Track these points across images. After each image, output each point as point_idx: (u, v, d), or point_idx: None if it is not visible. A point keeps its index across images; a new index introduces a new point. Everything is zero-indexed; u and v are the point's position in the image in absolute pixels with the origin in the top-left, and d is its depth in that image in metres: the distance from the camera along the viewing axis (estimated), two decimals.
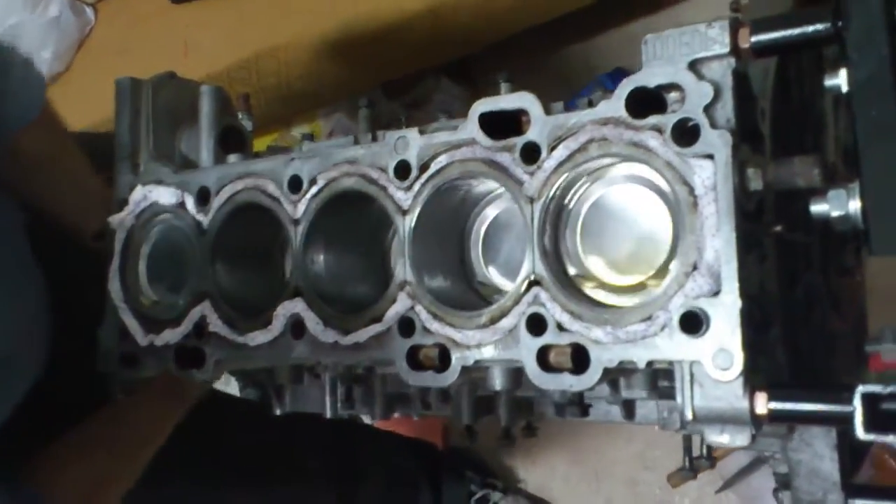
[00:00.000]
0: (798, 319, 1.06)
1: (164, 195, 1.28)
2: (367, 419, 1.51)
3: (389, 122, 2.89)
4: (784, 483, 1.19)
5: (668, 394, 1.09)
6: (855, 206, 0.90)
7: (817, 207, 0.92)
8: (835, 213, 0.91)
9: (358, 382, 1.44)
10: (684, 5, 2.53)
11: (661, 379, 1.06)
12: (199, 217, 1.25)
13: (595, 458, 2.48)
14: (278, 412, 1.51)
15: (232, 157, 1.28)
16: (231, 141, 1.36)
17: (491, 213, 1.17)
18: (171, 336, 1.26)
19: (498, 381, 1.08)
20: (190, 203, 1.26)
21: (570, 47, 2.70)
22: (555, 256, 1.01)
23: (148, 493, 1.67)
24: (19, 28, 2.65)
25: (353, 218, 1.21)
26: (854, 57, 0.87)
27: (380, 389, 1.42)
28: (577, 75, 2.61)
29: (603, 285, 1.02)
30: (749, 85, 0.93)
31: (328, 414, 1.46)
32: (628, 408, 1.26)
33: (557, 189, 0.98)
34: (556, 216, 1.01)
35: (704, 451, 1.33)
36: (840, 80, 0.98)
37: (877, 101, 0.86)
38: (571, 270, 1.03)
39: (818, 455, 1.11)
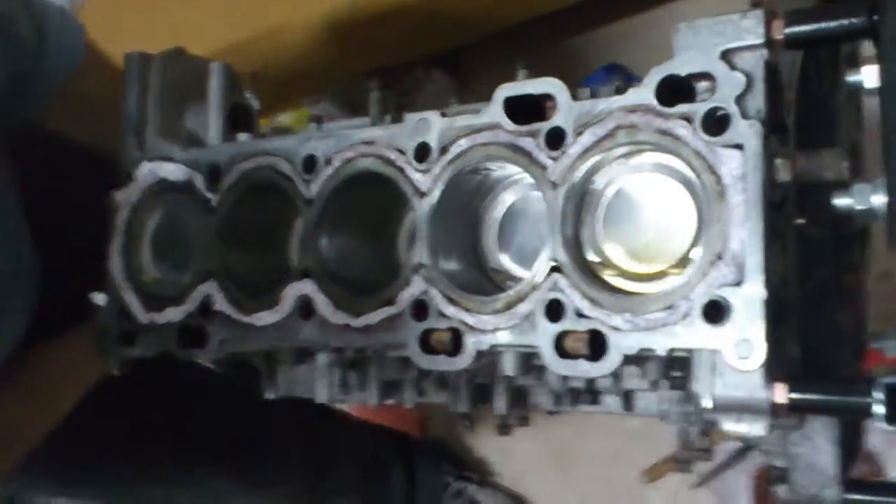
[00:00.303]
0: (809, 313, 1.07)
1: (173, 172, 1.27)
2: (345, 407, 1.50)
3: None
4: (780, 477, 1.20)
5: (679, 384, 1.09)
6: (879, 200, 0.91)
7: (841, 201, 0.94)
8: (858, 207, 0.92)
9: (354, 367, 1.43)
10: (683, 3, 2.54)
11: (673, 369, 1.07)
12: (209, 195, 1.24)
13: (569, 453, 2.48)
14: (271, 396, 1.50)
15: (242, 136, 1.27)
16: (239, 119, 1.35)
17: (507, 199, 1.17)
18: (173, 314, 1.24)
19: (509, 367, 1.08)
20: (199, 181, 1.24)
21: (565, 42, 2.70)
22: (575, 243, 1.01)
23: (118, 467, 1.66)
24: None
25: (364, 200, 1.20)
26: (888, 52, 0.88)
27: (375, 374, 1.41)
28: (571, 70, 2.61)
29: (623, 273, 1.02)
30: (779, 77, 0.94)
31: (322, 399, 1.46)
32: (627, 399, 1.27)
33: (582, 175, 0.99)
34: (579, 202, 1.01)
35: (698, 444, 1.34)
36: (862, 76, 0.99)
37: None
38: (591, 257, 1.03)
39: (817, 449, 1.12)
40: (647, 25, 2.61)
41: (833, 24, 0.91)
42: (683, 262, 0.99)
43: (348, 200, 1.18)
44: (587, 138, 0.98)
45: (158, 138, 1.32)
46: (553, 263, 0.99)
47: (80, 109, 1.53)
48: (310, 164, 1.16)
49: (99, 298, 1.32)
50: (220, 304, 1.21)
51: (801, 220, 0.96)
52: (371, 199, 1.22)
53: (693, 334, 0.90)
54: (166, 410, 1.72)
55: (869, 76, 0.98)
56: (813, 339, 1.10)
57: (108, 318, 1.30)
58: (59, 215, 1.40)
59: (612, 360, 0.94)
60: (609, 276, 1.02)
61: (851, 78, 0.98)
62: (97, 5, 2.81)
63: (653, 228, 1.02)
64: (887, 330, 1.12)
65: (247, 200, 1.23)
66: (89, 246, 1.39)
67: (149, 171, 1.29)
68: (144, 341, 1.28)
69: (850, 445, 1.18)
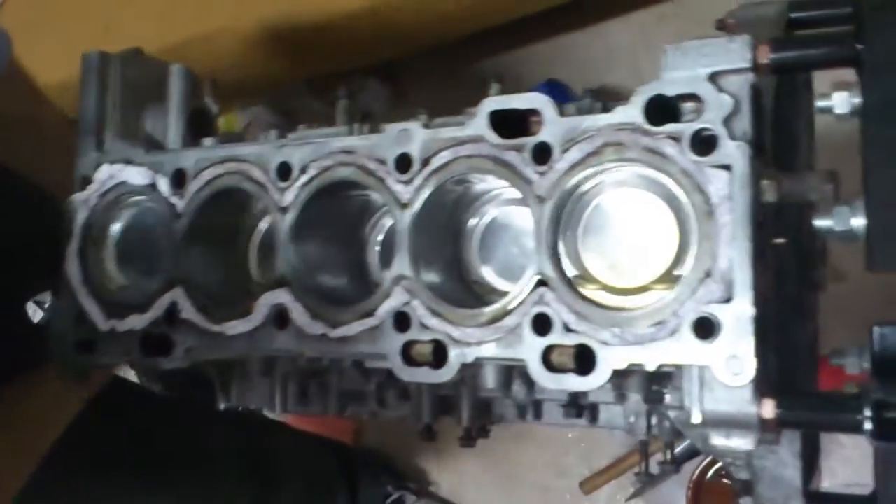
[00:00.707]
0: (779, 328, 1.10)
1: (135, 175, 1.23)
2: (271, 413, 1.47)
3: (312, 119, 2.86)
4: (745, 489, 1.22)
5: (657, 398, 1.11)
6: (858, 222, 0.94)
7: (821, 222, 0.96)
8: (838, 229, 0.95)
9: (314, 378, 1.41)
10: (612, 22, 2.60)
11: (654, 383, 1.08)
12: (174, 200, 1.21)
13: (507, 463, 2.50)
14: (222, 406, 1.47)
15: (207, 141, 1.24)
16: (198, 123, 1.32)
17: (488, 212, 1.17)
18: (136, 322, 1.21)
19: (491, 380, 1.08)
20: (163, 185, 1.21)
21: (499, 57, 2.73)
22: (559, 257, 1.01)
23: (53, 488, 1.61)
24: None
25: (335, 209, 1.19)
26: (869, 80, 0.91)
27: (335, 386, 1.40)
28: (504, 83, 2.63)
29: (604, 287, 1.03)
30: (762, 100, 0.96)
31: (277, 410, 1.44)
32: (592, 412, 1.28)
33: (568, 190, 0.99)
34: (561, 217, 1.02)
35: (668, 457, 1.36)
36: (833, 101, 1.02)
37: (890, 124, 0.90)
38: (572, 271, 1.04)
39: (782, 462, 1.15)
40: (579, 43, 2.66)
41: (817, 51, 0.94)
42: (667, 277, 1.00)
43: (320, 209, 1.16)
44: (574, 154, 0.98)
45: (117, 140, 1.29)
46: (539, 277, 0.99)
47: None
48: (284, 171, 1.14)
49: (46, 300, 1.27)
50: (187, 311, 1.18)
51: (780, 240, 0.98)
52: (339, 209, 1.21)
53: (683, 350, 0.91)
54: (97, 427, 1.67)
55: (840, 102, 1.01)
56: (781, 353, 1.13)
57: (64, 324, 1.26)
58: None
59: (601, 375, 0.95)
60: (591, 291, 1.02)
61: (821, 103, 1.01)
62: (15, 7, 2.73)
63: (633, 242, 1.04)
64: (846, 347, 1.15)
65: (215, 206, 1.21)
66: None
67: (108, 173, 1.25)
68: (104, 349, 1.24)
69: (811, 459, 1.21)
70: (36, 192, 1.51)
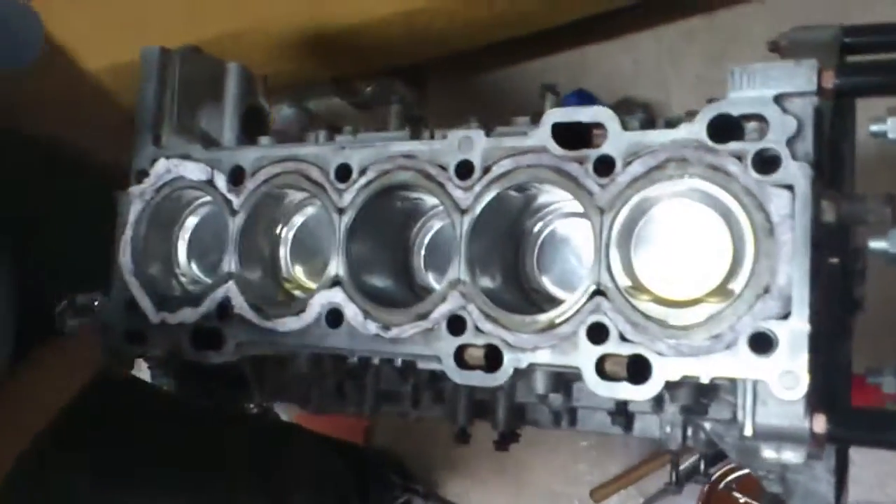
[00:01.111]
0: (824, 346, 1.12)
1: (193, 171, 1.25)
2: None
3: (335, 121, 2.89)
4: (773, 502, 1.25)
5: (702, 410, 1.13)
6: None
7: (877, 244, 0.99)
8: (893, 251, 0.98)
9: (350, 377, 1.43)
10: (640, 35, 2.62)
11: (704, 395, 1.10)
12: (230, 196, 1.23)
13: (516, 468, 2.52)
14: (257, 401, 1.49)
15: (264, 140, 1.27)
16: (252, 121, 1.34)
17: (549, 223, 1.19)
18: (188, 315, 1.23)
19: (541, 385, 1.10)
20: (221, 181, 1.23)
21: (522, 65, 2.75)
22: (616, 267, 1.03)
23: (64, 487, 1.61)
24: None
25: (386, 212, 1.21)
26: None
27: (372, 385, 1.42)
28: (529, 92, 2.65)
29: (657, 299, 1.05)
30: (823, 123, 0.99)
31: (313, 408, 1.46)
32: (628, 420, 1.30)
33: (629, 203, 1.02)
34: (621, 228, 1.04)
35: (702, 467, 1.38)
36: (888, 126, 1.05)
37: None
38: (625, 282, 1.06)
39: (816, 477, 1.17)
40: (606, 54, 2.69)
41: (881, 78, 0.97)
42: (719, 291, 1.02)
43: (376, 212, 1.18)
44: (637, 168, 1.01)
45: (174, 135, 1.30)
46: (596, 287, 1.01)
47: (35, 104, 1.49)
48: (344, 173, 1.16)
49: (96, 298, 1.30)
50: (240, 307, 1.20)
51: (834, 259, 1.01)
52: (390, 211, 1.23)
53: (739, 363, 0.94)
54: (111, 426, 1.68)
55: (894, 127, 1.03)
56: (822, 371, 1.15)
57: (114, 315, 1.28)
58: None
59: (654, 385, 0.97)
60: (644, 302, 1.05)
61: (875, 127, 1.03)
62: None
63: (687, 255, 1.06)
64: (884, 365, 1.17)
65: (271, 203, 1.23)
66: (58, 249, 1.37)
67: (165, 168, 1.27)
68: (153, 340, 1.26)
69: (842, 475, 1.23)
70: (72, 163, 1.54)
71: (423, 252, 1.29)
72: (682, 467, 2.07)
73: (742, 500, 2.09)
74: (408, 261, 1.29)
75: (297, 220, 1.31)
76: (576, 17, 2.41)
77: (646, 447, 2.26)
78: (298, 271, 1.32)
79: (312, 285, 1.27)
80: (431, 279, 1.27)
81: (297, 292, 1.29)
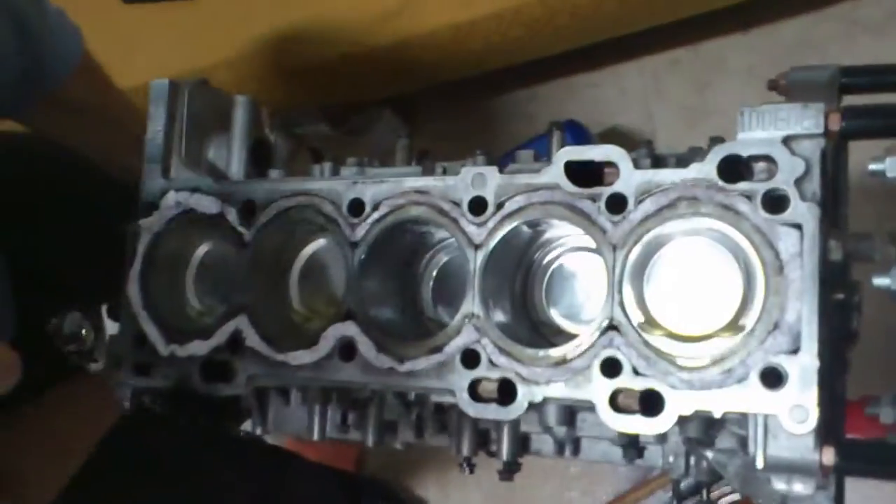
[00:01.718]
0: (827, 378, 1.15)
1: (203, 204, 1.26)
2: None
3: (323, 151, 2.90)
4: None
5: (709, 441, 1.15)
6: None
7: (880, 281, 1.02)
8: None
9: (354, 407, 1.44)
10: (625, 64, 2.67)
11: (713, 428, 1.13)
12: (241, 230, 1.24)
13: (509, 495, 2.53)
14: (258, 432, 1.49)
15: (274, 173, 1.28)
16: (260, 153, 1.36)
17: (556, 257, 1.22)
18: (198, 348, 1.24)
19: (553, 418, 1.12)
20: (231, 215, 1.25)
21: (509, 93, 2.79)
22: (628, 302, 1.06)
23: None
24: None
25: (397, 245, 1.23)
26: None
27: (375, 415, 1.43)
28: (516, 121, 2.70)
29: (670, 334, 1.08)
30: (828, 163, 1.02)
31: (316, 437, 1.46)
32: (634, 450, 1.32)
33: (641, 240, 1.04)
34: (634, 264, 1.06)
35: (704, 496, 1.40)
36: (886, 165, 1.08)
37: None
38: (639, 317, 1.08)
39: None
40: (591, 82, 2.73)
41: (882, 122, 1.00)
42: (731, 326, 1.05)
43: (386, 246, 1.20)
44: (648, 206, 1.04)
45: (183, 168, 1.32)
46: (609, 321, 1.04)
47: (69, 114, 1.54)
48: (357, 207, 1.18)
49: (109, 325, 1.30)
50: (251, 339, 1.21)
51: (840, 295, 1.04)
52: (400, 244, 1.25)
53: (750, 398, 0.96)
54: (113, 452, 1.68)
55: (893, 166, 1.07)
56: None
57: (122, 347, 1.28)
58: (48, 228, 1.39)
59: (668, 418, 0.99)
60: (655, 336, 1.07)
61: (874, 167, 1.07)
62: None
63: (699, 291, 1.08)
64: (881, 396, 1.20)
65: (280, 237, 1.24)
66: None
67: (175, 200, 1.28)
68: (161, 373, 1.26)
69: (840, 501, 1.26)
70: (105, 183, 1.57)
71: (430, 284, 1.31)
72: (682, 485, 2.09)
73: None
74: (415, 293, 1.31)
75: (307, 252, 1.32)
76: (565, 48, 2.45)
77: (635, 473, 2.28)
78: (307, 302, 1.33)
79: (322, 315, 1.29)
80: (440, 312, 1.29)
81: (308, 324, 1.30)
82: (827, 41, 2.40)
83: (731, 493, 2.04)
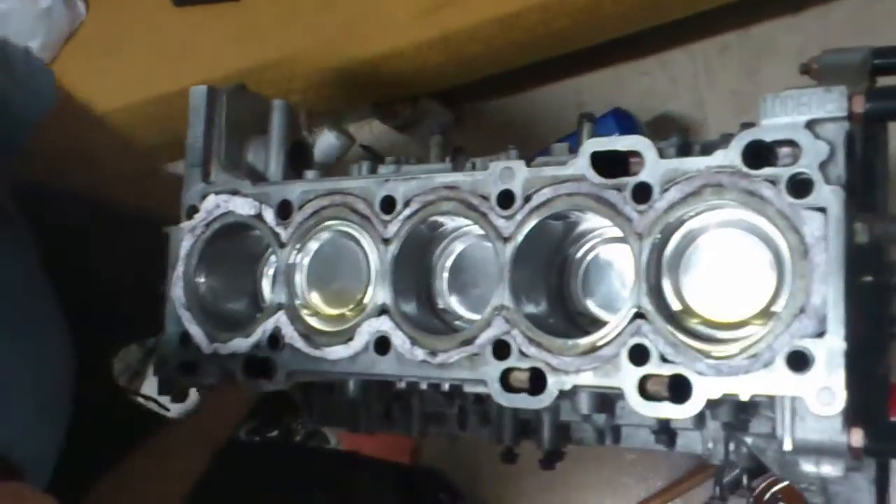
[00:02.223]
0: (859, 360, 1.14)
1: (241, 206, 1.30)
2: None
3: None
4: None
5: (743, 426, 1.15)
6: None
7: None
8: None
9: (397, 400, 1.47)
10: (674, 51, 2.65)
11: (743, 412, 1.13)
12: (278, 230, 1.27)
13: (563, 483, 2.54)
14: (308, 426, 1.53)
15: (310, 174, 1.31)
16: (297, 155, 1.39)
17: (591, 248, 1.23)
18: (239, 345, 1.28)
19: (585, 406, 1.13)
20: (269, 215, 1.28)
21: (558, 83, 2.79)
22: (658, 291, 1.06)
23: None
24: (8, 16, 2.60)
25: (420, 238, 1.25)
26: None
27: (418, 407, 1.46)
28: (565, 111, 2.69)
29: (705, 321, 1.08)
30: (855, 146, 1.01)
31: (361, 429, 1.50)
32: (671, 437, 1.33)
33: (667, 228, 1.05)
34: (662, 253, 1.07)
35: (745, 482, 1.40)
36: None
37: None
38: (677, 306, 1.08)
39: (856, 488, 1.19)
40: (638, 70, 2.72)
41: None
42: (765, 313, 1.05)
43: (414, 239, 1.22)
44: (674, 194, 1.04)
45: (223, 171, 1.35)
46: (636, 310, 1.04)
47: (57, 158, 1.50)
48: (389, 204, 1.20)
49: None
50: (290, 336, 1.24)
51: (868, 278, 1.03)
52: (422, 237, 1.27)
53: (776, 381, 0.96)
54: None
55: None
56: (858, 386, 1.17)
57: (169, 348, 1.33)
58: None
59: (696, 404, 1.00)
60: (693, 324, 1.07)
61: None
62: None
63: (733, 279, 1.08)
64: None
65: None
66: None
67: (215, 203, 1.32)
68: (206, 371, 1.31)
69: (883, 485, 1.25)
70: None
71: (445, 275, 1.32)
72: (725, 480, 2.08)
73: None
74: (430, 284, 1.32)
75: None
76: (611, 36, 2.44)
77: (690, 461, 2.27)
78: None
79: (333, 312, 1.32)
80: (455, 302, 1.31)
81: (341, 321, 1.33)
82: (880, 22, 2.35)
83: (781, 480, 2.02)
